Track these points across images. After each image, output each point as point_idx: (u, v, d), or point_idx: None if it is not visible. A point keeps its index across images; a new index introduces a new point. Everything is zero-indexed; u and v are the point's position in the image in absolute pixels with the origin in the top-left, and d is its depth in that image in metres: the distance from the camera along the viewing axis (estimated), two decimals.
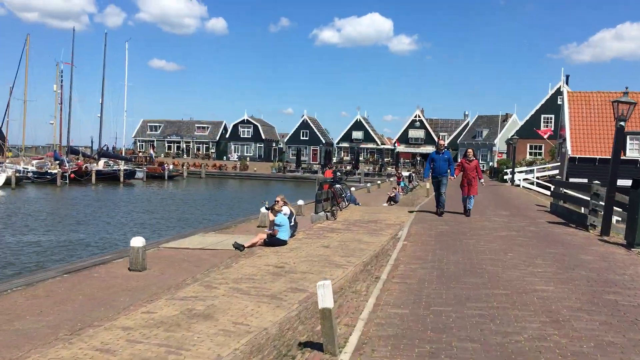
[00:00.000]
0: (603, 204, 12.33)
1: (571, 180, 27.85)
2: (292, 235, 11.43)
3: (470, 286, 6.50)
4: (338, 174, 17.55)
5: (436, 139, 65.88)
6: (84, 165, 52.71)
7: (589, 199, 12.28)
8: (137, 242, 10.28)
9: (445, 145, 14.41)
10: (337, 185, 15.05)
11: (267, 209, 11.13)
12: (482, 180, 14.18)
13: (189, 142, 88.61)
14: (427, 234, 10.86)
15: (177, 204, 35.50)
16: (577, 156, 31.56)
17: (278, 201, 11.65)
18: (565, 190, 16.59)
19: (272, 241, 10.68)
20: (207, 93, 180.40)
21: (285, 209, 11.51)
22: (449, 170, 14.00)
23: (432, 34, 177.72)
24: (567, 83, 47.06)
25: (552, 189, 18.61)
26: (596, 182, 12.51)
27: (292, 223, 11.57)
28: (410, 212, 15.36)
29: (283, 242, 10.71)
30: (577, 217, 12.93)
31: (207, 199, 41.38)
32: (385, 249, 9.55)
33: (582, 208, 14.96)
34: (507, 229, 11.75)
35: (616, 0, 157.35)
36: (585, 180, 32.17)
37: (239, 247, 10.76)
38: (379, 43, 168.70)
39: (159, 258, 11.20)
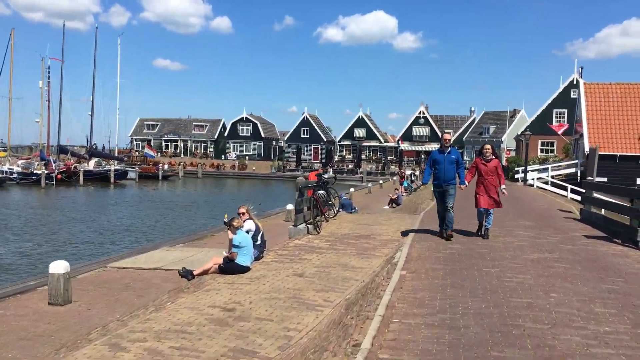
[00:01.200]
0: None
1: (590, 179, 25.16)
2: (258, 258, 8.81)
3: None
4: (324, 176, 14.62)
5: (440, 134, 62.36)
6: (73, 165, 50.32)
7: (637, 207, 9.69)
8: (58, 267, 7.86)
9: (451, 140, 10.13)
10: (321, 192, 12.06)
11: (224, 224, 8.51)
12: (504, 187, 10.39)
13: (186, 141, 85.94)
14: (434, 257, 8.21)
15: (164, 207, 32.96)
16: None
17: (241, 214, 9.04)
18: (597, 195, 13.90)
19: (229, 267, 8.05)
20: (210, 92, 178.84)
21: (249, 224, 8.87)
22: (457, 176, 10.03)
23: (437, 31, 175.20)
24: (581, 75, 44.30)
25: (583, 193, 15.93)
26: None
27: (259, 242, 8.90)
28: (407, 232, 11.15)
29: (243, 269, 8.07)
30: (623, 230, 10.26)
31: (198, 201, 38.87)
32: (377, 283, 6.95)
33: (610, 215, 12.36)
34: (537, 248, 9.06)
35: None
36: (605, 180, 29.61)
37: (186, 274, 8.24)
38: (384, 41, 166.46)
39: (97, 283, 8.98)
